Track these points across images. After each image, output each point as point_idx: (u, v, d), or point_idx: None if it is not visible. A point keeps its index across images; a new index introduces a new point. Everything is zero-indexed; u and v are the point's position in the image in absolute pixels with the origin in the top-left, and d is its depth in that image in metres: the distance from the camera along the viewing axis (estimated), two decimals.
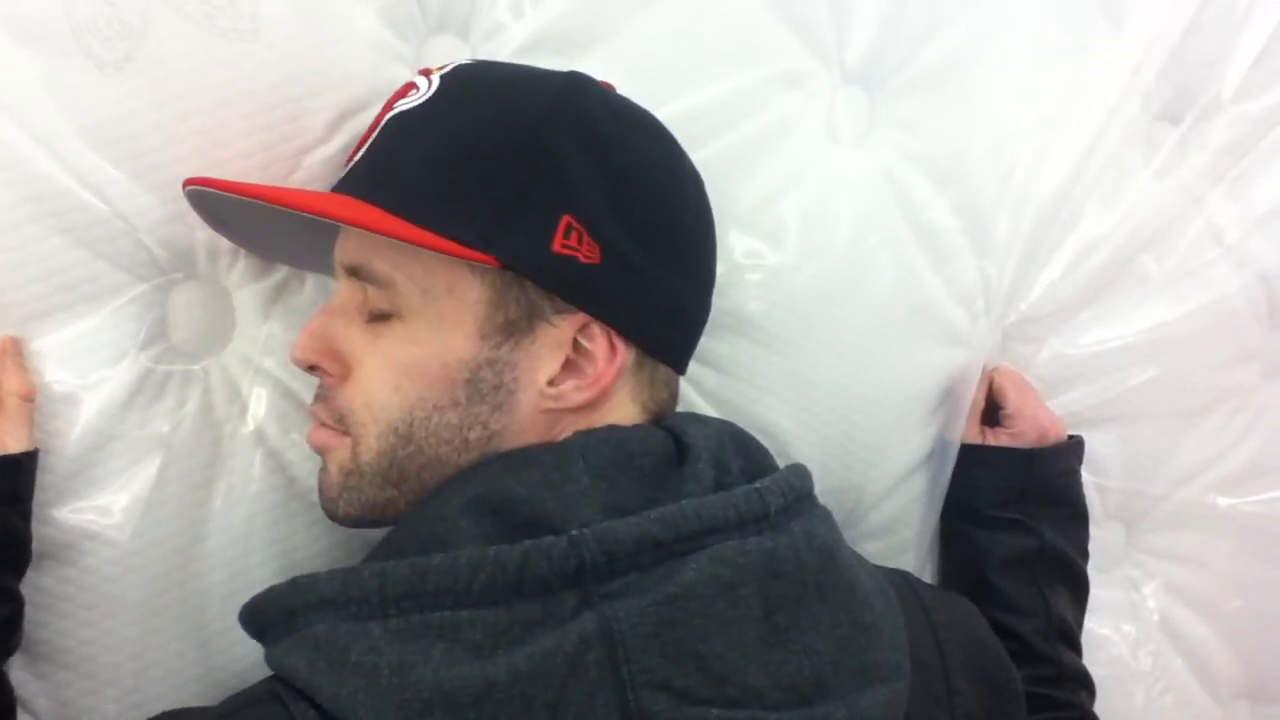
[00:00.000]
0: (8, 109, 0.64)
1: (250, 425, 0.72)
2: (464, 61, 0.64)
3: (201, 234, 0.68)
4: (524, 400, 0.60)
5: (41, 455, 0.66)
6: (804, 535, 0.57)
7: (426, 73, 0.63)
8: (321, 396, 0.63)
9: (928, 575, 0.93)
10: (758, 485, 0.57)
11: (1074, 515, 0.90)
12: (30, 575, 0.66)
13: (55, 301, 0.66)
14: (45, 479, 0.66)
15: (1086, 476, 0.98)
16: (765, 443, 0.84)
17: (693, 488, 0.56)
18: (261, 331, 0.72)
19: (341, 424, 0.61)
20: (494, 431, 0.60)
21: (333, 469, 0.62)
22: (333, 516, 0.63)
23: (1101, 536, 0.99)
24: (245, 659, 0.72)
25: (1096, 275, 0.96)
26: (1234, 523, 1.04)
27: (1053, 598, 0.86)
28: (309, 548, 0.73)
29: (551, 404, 0.60)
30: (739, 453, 0.62)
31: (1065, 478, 0.91)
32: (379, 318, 0.60)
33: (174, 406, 0.70)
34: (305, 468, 0.73)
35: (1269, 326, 1.04)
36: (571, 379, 0.60)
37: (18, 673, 0.67)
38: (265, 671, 0.71)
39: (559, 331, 0.59)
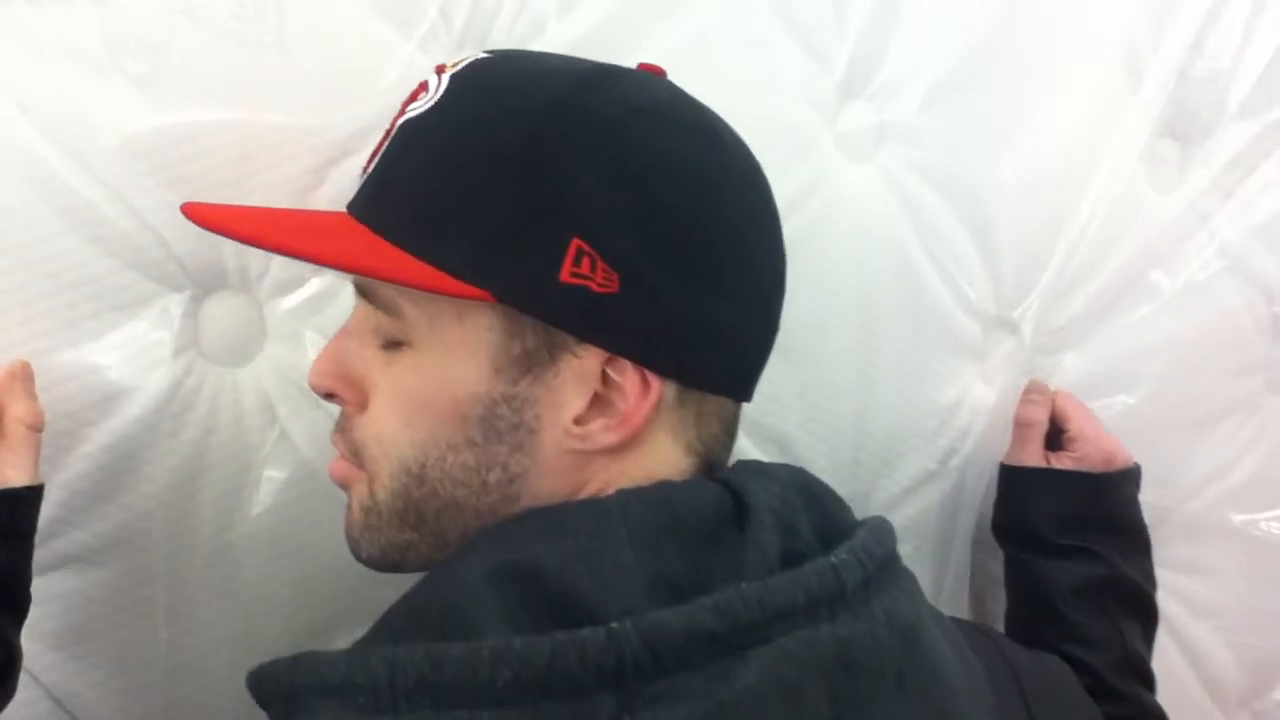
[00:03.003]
0: (40, 124, 0.65)
1: (281, 434, 0.73)
2: (481, 55, 0.56)
3: (230, 246, 0.69)
4: (547, 440, 0.53)
5: (74, 462, 0.66)
6: (885, 616, 0.49)
7: (440, 70, 0.56)
8: (340, 426, 0.58)
9: (953, 593, 0.94)
10: (833, 560, 0.48)
11: (1139, 543, 0.87)
12: (61, 578, 0.67)
13: (86, 311, 0.67)
14: (77, 485, 0.67)
15: None
16: (775, 452, 0.85)
17: (753, 559, 0.48)
18: (291, 343, 0.73)
19: (358, 459, 0.56)
20: (515, 474, 0.53)
21: (355, 506, 0.57)
22: (356, 557, 0.58)
23: None
24: None
25: (1108, 289, 0.97)
26: (1245, 537, 1.06)
27: (1126, 630, 0.82)
28: (337, 554, 0.74)
29: (578, 444, 0.53)
30: (809, 508, 0.54)
31: (1131, 505, 0.87)
32: (392, 344, 0.54)
33: (205, 415, 0.71)
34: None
35: (1272, 339, 1.06)
36: (600, 417, 0.53)
37: (51, 673, 0.68)
38: None
39: (584, 364, 0.52)
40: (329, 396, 0.57)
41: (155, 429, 0.69)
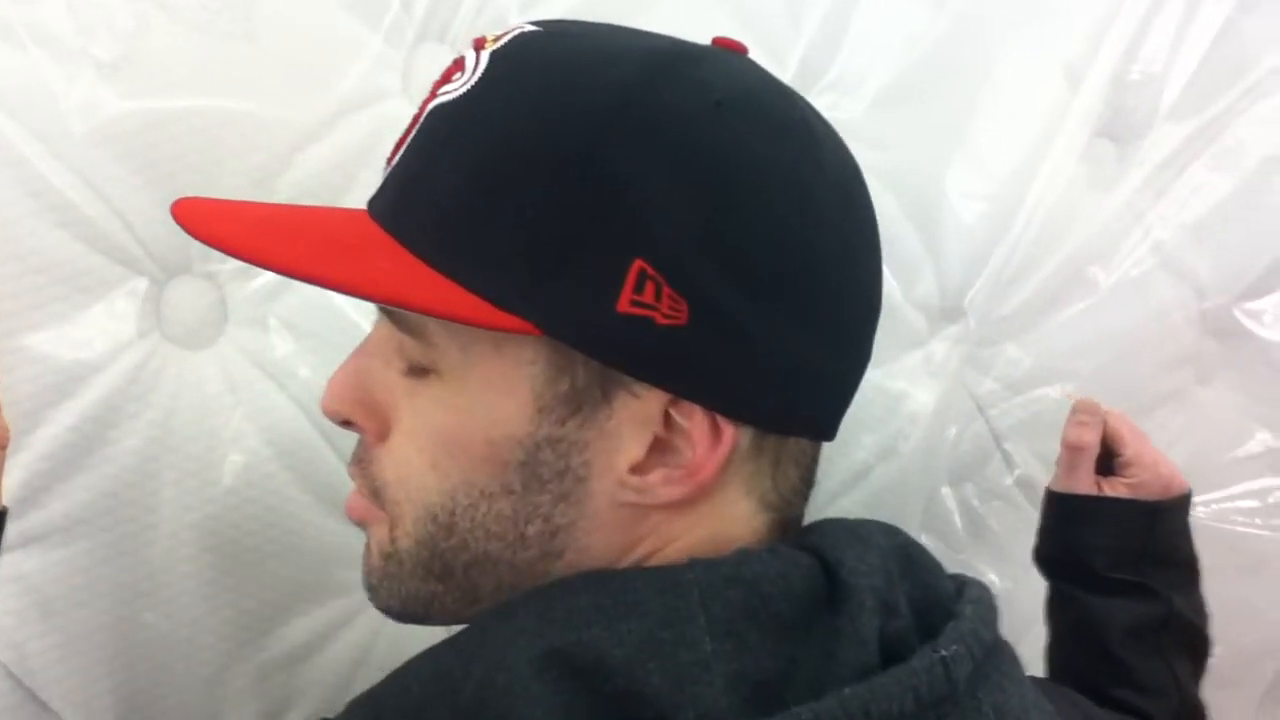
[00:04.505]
0: (9, 109, 0.66)
1: (244, 417, 0.74)
2: (527, 28, 0.47)
3: None
4: (597, 490, 0.45)
5: (37, 442, 0.67)
6: (994, 713, 0.43)
7: (480, 44, 0.47)
8: (358, 457, 0.50)
9: None
10: (943, 654, 0.41)
11: (1193, 575, 0.79)
12: (24, 558, 0.68)
13: (52, 293, 0.68)
14: (39, 465, 0.68)
15: (1043, 476, 1.03)
16: None
17: (851, 653, 0.41)
18: (256, 327, 0.74)
19: (378, 498, 0.48)
20: (559, 526, 0.45)
21: (373, 550, 0.49)
22: (374, 604, 0.50)
23: None
24: (230, 643, 0.75)
25: (1049, 284, 1.01)
26: None
27: (1181, 673, 0.76)
28: (299, 535, 0.76)
29: (634, 497, 0.45)
30: (906, 575, 0.46)
31: (1186, 533, 0.80)
32: (418, 371, 0.46)
33: (168, 396, 0.72)
34: (296, 459, 0.75)
35: (1201, 333, 1.11)
36: (660, 467, 0.44)
37: (9, 651, 0.69)
38: (247, 663, 0.74)
39: (644, 405, 0.44)
40: (345, 424, 0.50)
41: (119, 410, 0.70)
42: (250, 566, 0.75)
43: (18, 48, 0.66)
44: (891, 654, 0.42)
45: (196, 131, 0.69)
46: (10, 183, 0.66)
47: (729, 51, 0.48)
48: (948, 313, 0.97)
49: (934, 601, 0.46)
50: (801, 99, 0.48)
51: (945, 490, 1.01)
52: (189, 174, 0.69)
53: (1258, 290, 1.12)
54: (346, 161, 0.74)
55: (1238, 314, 1.12)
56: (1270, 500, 1.15)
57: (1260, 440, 1.15)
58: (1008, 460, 1.03)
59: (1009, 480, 1.03)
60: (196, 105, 0.69)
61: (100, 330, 0.69)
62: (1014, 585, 1.04)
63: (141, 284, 0.71)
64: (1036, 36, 0.99)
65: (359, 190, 0.75)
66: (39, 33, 0.66)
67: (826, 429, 0.49)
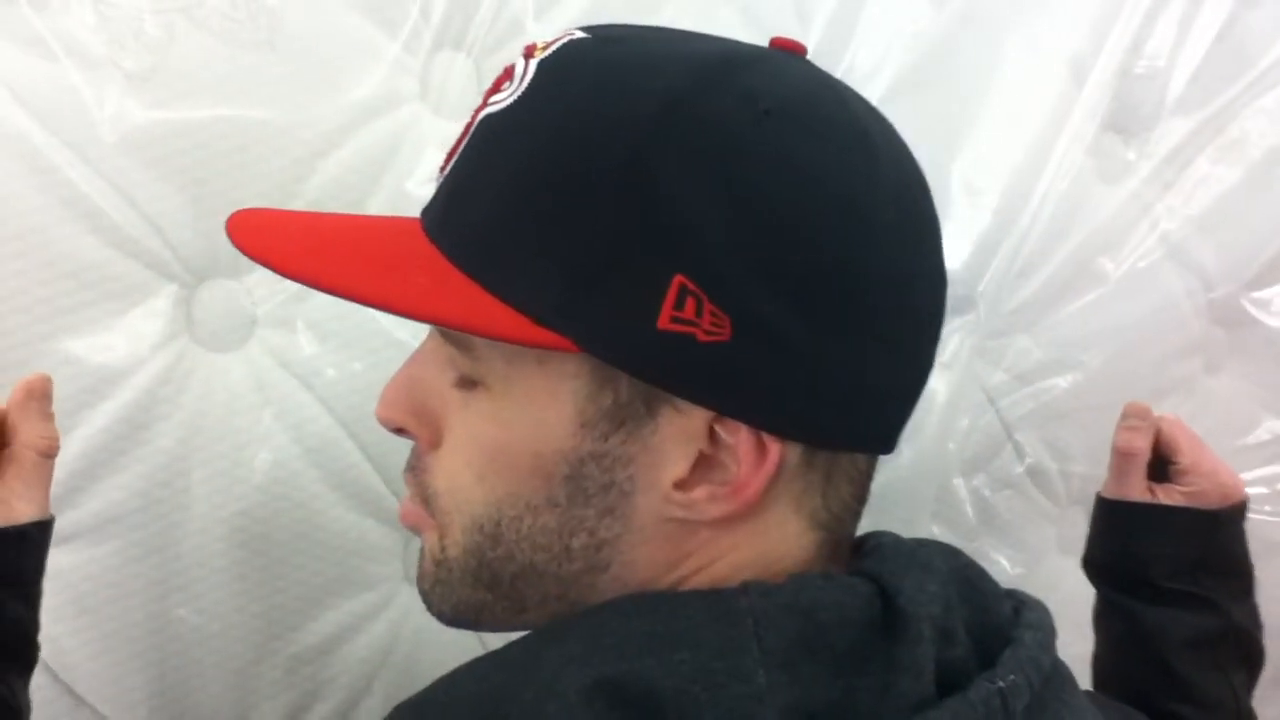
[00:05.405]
0: (41, 117, 0.68)
1: (273, 417, 0.76)
2: (576, 35, 0.46)
3: (224, 234, 0.72)
4: (643, 504, 0.44)
5: (71, 444, 0.69)
6: None
7: (529, 52, 0.46)
8: (412, 465, 0.50)
9: None
10: (1000, 685, 0.41)
11: (1248, 585, 0.77)
12: (59, 556, 0.70)
13: (84, 298, 0.70)
14: (74, 466, 0.70)
15: (1053, 465, 1.04)
16: None
17: (907, 684, 0.40)
18: (283, 329, 0.76)
19: (429, 507, 0.49)
20: (604, 540, 0.45)
21: (426, 556, 0.50)
22: (428, 609, 0.51)
23: (1068, 520, 1.06)
24: (259, 637, 0.77)
25: (1058, 275, 1.02)
26: None
27: (1237, 684, 0.74)
28: (326, 530, 0.77)
29: (679, 513, 0.44)
30: (965, 600, 0.45)
31: (1242, 541, 0.77)
32: (467, 383, 0.46)
33: (198, 397, 0.73)
34: (322, 457, 0.77)
35: (1209, 322, 1.12)
36: (705, 483, 0.44)
37: (48, 646, 0.70)
38: (276, 656, 0.75)
39: (688, 421, 0.43)
40: (399, 431, 0.50)
41: (150, 411, 0.72)
42: (279, 562, 0.77)
43: (49, 58, 0.68)
44: (949, 683, 0.41)
45: (223, 138, 0.71)
46: (42, 190, 0.68)
47: (786, 53, 0.46)
48: (958, 305, 0.98)
49: (992, 627, 0.45)
50: (863, 104, 0.46)
51: (957, 480, 1.02)
52: (216, 181, 0.71)
53: (1264, 280, 1.13)
54: (368, 166, 0.76)
55: (1245, 303, 1.13)
56: (1279, 487, 1.16)
57: (1268, 428, 1.16)
58: (1018, 450, 1.04)
59: (1019, 469, 1.04)
60: (222, 113, 0.71)
61: (132, 334, 0.71)
62: (1025, 572, 1.05)
63: (171, 288, 0.73)
64: (1041, 31, 1.00)
65: (382, 194, 0.77)
66: (69, 43, 0.68)
67: (882, 443, 0.47)
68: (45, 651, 0.70)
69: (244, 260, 0.73)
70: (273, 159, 0.73)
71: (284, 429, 0.76)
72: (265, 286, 0.75)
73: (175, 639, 0.74)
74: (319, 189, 0.74)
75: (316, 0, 0.74)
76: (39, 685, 0.71)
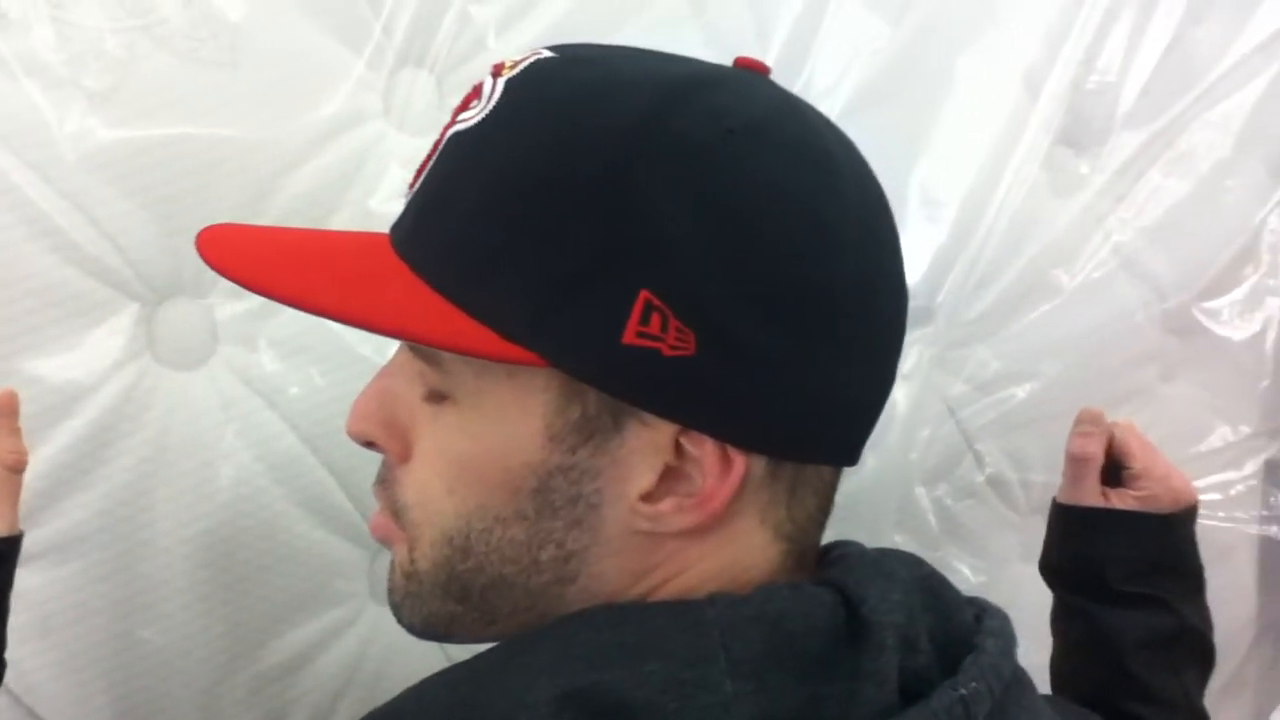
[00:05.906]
0: (2, 137, 0.68)
1: (236, 434, 0.75)
2: (543, 55, 0.47)
3: (188, 252, 0.72)
4: (611, 517, 0.45)
5: (35, 463, 0.68)
6: None
7: (497, 71, 0.47)
8: (382, 478, 0.50)
9: None
10: (962, 692, 0.42)
11: (1199, 585, 0.79)
12: (23, 576, 0.69)
13: (46, 317, 0.69)
14: (37, 485, 0.69)
15: (1013, 474, 1.06)
16: None
17: (871, 692, 0.41)
18: (246, 346, 0.76)
19: (399, 519, 0.49)
20: (572, 552, 0.45)
21: (397, 569, 0.50)
22: (398, 622, 0.51)
23: (1029, 529, 1.07)
24: (224, 656, 0.77)
25: (1014, 287, 1.04)
26: None
27: (1191, 687, 0.76)
28: (291, 548, 0.77)
29: (647, 525, 0.45)
30: (928, 609, 0.46)
31: (1194, 543, 0.79)
32: (436, 397, 0.47)
33: (161, 415, 0.73)
34: (286, 474, 0.77)
35: (1163, 331, 1.14)
36: (671, 495, 0.44)
37: (9, 669, 0.70)
38: (242, 675, 0.75)
39: (654, 434, 0.43)
40: (369, 444, 0.50)
41: (113, 430, 0.72)
42: (244, 580, 0.77)
43: (9, 78, 0.68)
44: (912, 691, 0.42)
45: (185, 157, 0.71)
46: (3, 210, 0.68)
47: (750, 73, 0.47)
48: (917, 317, 0.99)
49: (955, 634, 0.46)
50: (824, 123, 0.47)
51: (919, 490, 1.03)
52: (178, 199, 0.71)
53: (1215, 289, 1.16)
54: (332, 183, 0.76)
55: (1197, 313, 1.16)
56: (1232, 493, 1.19)
57: (1220, 435, 1.19)
58: (979, 460, 1.06)
59: (980, 479, 1.06)
60: (185, 132, 0.71)
61: (93, 352, 0.71)
62: (987, 580, 1.07)
63: (133, 307, 0.72)
64: (995, 46, 1.02)
65: (346, 211, 0.77)
66: (30, 63, 0.68)
67: (846, 455, 0.48)
68: (8, 673, 0.70)
69: (206, 278, 0.74)
70: (236, 177, 0.73)
71: (247, 446, 0.76)
72: (228, 304, 0.75)
73: (139, 660, 0.74)
74: (283, 206, 0.74)
75: (279, 18, 0.75)
76: (0, 708, 0.71)
